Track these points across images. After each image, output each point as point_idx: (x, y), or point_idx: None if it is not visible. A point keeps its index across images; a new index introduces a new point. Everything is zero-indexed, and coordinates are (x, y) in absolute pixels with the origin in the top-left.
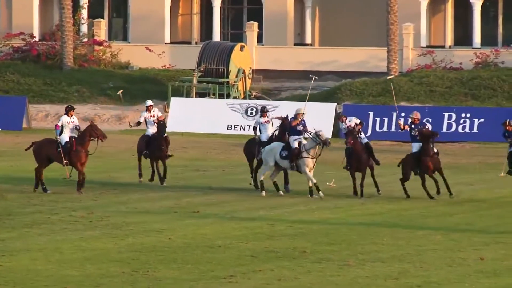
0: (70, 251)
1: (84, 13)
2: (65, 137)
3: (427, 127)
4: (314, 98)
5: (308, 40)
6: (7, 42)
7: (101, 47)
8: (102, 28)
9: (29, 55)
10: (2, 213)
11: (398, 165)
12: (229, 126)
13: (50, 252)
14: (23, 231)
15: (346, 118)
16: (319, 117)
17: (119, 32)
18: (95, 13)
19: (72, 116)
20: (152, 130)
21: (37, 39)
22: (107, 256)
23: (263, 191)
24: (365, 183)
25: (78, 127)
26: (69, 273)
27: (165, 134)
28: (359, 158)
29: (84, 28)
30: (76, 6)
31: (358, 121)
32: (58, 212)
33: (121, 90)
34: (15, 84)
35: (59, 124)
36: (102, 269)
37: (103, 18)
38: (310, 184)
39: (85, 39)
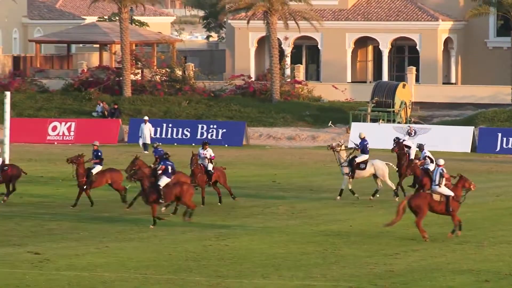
0: (278, 235)
1: (288, 60)
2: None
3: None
4: (457, 123)
5: (453, 79)
6: (232, 82)
7: (300, 85)
8: (301, 72)
9: (247, 91)
10: (229, 207)
11: None
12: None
13: (263, 236)
14: (243, 220)
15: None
16: (461, 137)
17: (313, 74)
18: (295, 60)
19: (206, 149)
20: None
21: (253, 79)
22: (305, 238)
23: None
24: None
25: (211, 158)
26: (277, 251)
27: None
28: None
29: (288, 71)
30: (281, 55)
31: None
32: (269, 206)
33: (330, 122)
34: (237, 112)
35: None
36: (302, 248)
37: (301, 64)
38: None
39: (288, 80)
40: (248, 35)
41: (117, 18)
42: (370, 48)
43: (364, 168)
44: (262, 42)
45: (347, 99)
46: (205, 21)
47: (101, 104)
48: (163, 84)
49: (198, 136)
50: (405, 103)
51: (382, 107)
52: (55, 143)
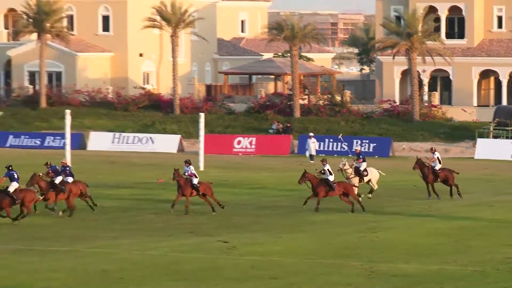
0: (418, 229)
1: (425, 88)
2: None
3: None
4: None
5: None
6: (380, 106)
7: (435, 108)
8: (436, 97)
9: (393, 113)
10: (378, 207)
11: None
12: None
13: (406, 229)
14: (390, 217)
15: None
16: None
17: (446, 99)
18: (432, 88)
19: (188, 166)
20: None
21: (397, 103)
22: (440, 231)
23: None
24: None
25: (190, 174)
26: (417, 242)
27: None
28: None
29: (425, 97)
30: (420, 84)
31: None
32: (411, 206)
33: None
34: (384, 130)
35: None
36: (437, 239)
37: (436, 91)
38: None
39: (426, 104)
40: (393, 68)
41: (288, 54)
42: (492, 78)
43: (367, 175)
44: (405, 74)
45: (473, 119)
46: (358, 56)
47: (276, 123)
48: (325, 107)
49: (354, 149)
50: None
51: (502, 126)
52: (240, 154)
